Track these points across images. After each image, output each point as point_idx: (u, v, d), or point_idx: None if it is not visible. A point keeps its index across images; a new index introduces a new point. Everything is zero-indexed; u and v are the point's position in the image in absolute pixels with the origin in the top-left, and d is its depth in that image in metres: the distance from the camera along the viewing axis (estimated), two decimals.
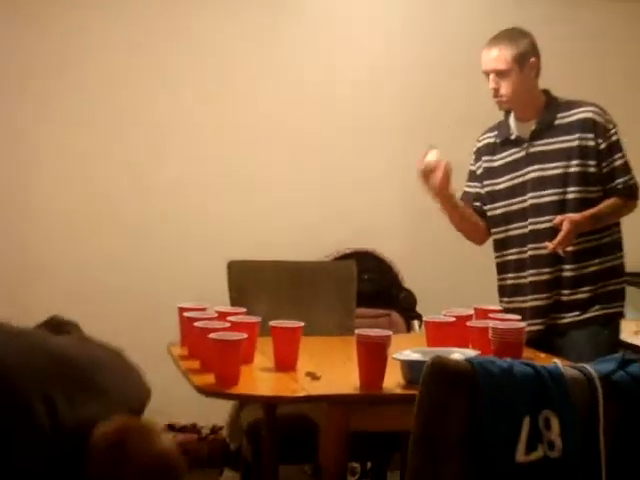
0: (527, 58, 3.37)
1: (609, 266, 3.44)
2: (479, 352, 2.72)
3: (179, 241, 4.51)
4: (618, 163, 3.36)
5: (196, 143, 4.69)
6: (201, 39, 4.70)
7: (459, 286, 4.57)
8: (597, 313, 3.41)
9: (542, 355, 3.05)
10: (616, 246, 3.47)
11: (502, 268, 3.54)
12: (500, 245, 3.54)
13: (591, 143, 3.35)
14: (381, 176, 4.87)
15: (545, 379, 1.99)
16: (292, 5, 4.83)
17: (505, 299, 3.53)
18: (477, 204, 3.59)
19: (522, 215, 3.45)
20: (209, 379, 2.71)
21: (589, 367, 2.06)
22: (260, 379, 2.86)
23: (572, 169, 3.37)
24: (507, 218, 3.50)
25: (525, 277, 3.46)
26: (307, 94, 4.80)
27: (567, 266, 3.39)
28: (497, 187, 3.51)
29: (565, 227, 3.22)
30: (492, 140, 3.55)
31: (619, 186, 3.36)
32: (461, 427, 1.93)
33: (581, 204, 3.36)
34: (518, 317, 3.14)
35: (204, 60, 4.72)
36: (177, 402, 3.99)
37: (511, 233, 3.49)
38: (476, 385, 1.94)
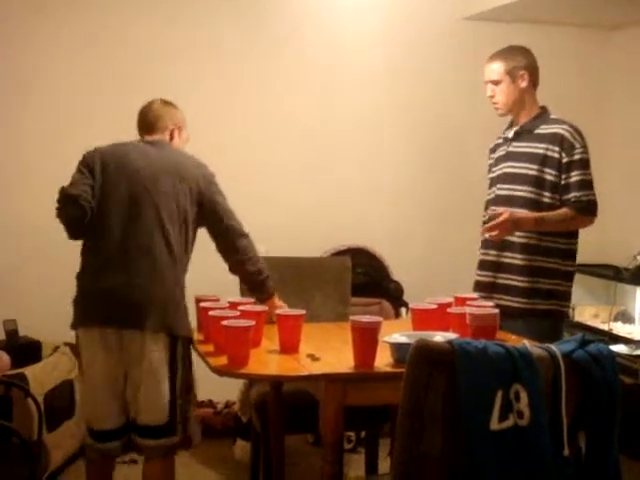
0: (517, 71, 3.44)
1: (556, 268, 3.40)
2: (458, 335, 2.72)
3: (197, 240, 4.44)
4: (574, 179, 3.33)
5: (209, 150, 4.63)
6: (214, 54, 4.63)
7: (441, 277, 4.58)
8: (535, 307, 3.39)
9: (513, 337, 3.05)
10: (568, 254, 3.44)
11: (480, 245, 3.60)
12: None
13: (555, 155, 3.35)
14: (373, 185, 4.87)
15: (515, 357, 1.99)
16: (303, 19, 4.74)
17: (476, 271, 3.59)
18: None
19: (492, 203, 3.52)
20: (223, 361, 2.72)
21: (553, 347, 2.07)
22: (267, 360, 2.86)
23: (529, 171, 3.39)
24: (487, 205, 3.57)
25: (481, 255, 3.54)
26: (313, 111, 4.76)
27: (510, 254, 3.41)
28: (491, 179, 3.62)
29: (501, 217, 3.26)
30: (499, 139, 3.65)
31: (572, 199, 3.33)
32: (442, 400, 1.94)
33: (529, 203, 3.37)
34: (492, 304, 3.16)
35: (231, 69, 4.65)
36: (195, 381, 3.99)
37: (486, 218, 3.53)
38: (455, 363, 1.94)
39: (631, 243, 4.68)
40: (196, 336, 3.11)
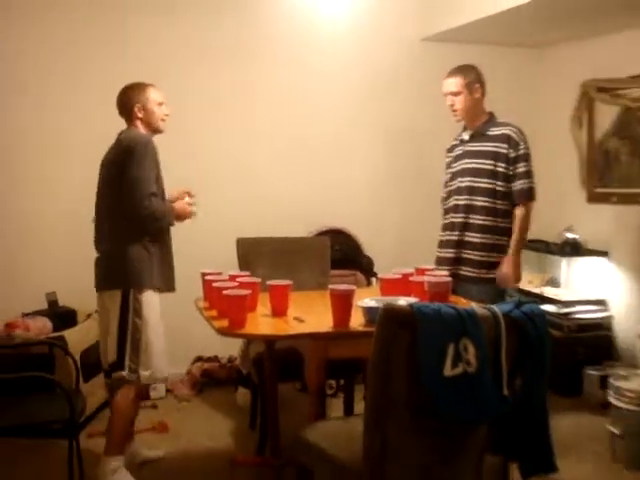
0: (473, 84, 3.49)
1: (500, 243, 3.45)
2: (418, 299, 2.73)
3: (201, 225, 4.33)
4: (520, 170, 3.41)
5: (212, 151, 4.55)
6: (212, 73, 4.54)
7: (404, 253, 4.58)
8: (487, 276, 3.44)
9: (463, 300, 3.06)
10: (507, 232, 3.47)
11: (442, 227, 3.63)
12: (445, 212, 3.65)
13: (504, 151, 3.42)
14: (350, 175, 4.83)
15: (464, 317, 2.00)
16: (294, 29, 4.66)
17: (437, 249, 3.62)
18: None
19: (455, 193, 3.55)
20: (225, 323, 2.70)
21: (495, 307, 2.08)
22: (261, 323, 2.84)
23: (485, 166, 3.44)
24: (449, 194, 3.60)
25: (444, 236, 3.57)
26: (301, 109, 4.69)
27: (470, 234, 3.46)
28: (452, 173, 3.62)
29: (505, 273, 3.38)
30: (455, 141, 3.67)
31: (517, 186, 3.41)
32: (405, 353, 1.94)
33: (487, 191, 3.42)
34: (446, 274, 3.16)
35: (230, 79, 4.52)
36: (203, 340, 3.96)
37: (448, 205, 3.59)
38: (415, 322, 1.94)
39: (558, 223, 4.71)
40: (202, 304, 3.09)
